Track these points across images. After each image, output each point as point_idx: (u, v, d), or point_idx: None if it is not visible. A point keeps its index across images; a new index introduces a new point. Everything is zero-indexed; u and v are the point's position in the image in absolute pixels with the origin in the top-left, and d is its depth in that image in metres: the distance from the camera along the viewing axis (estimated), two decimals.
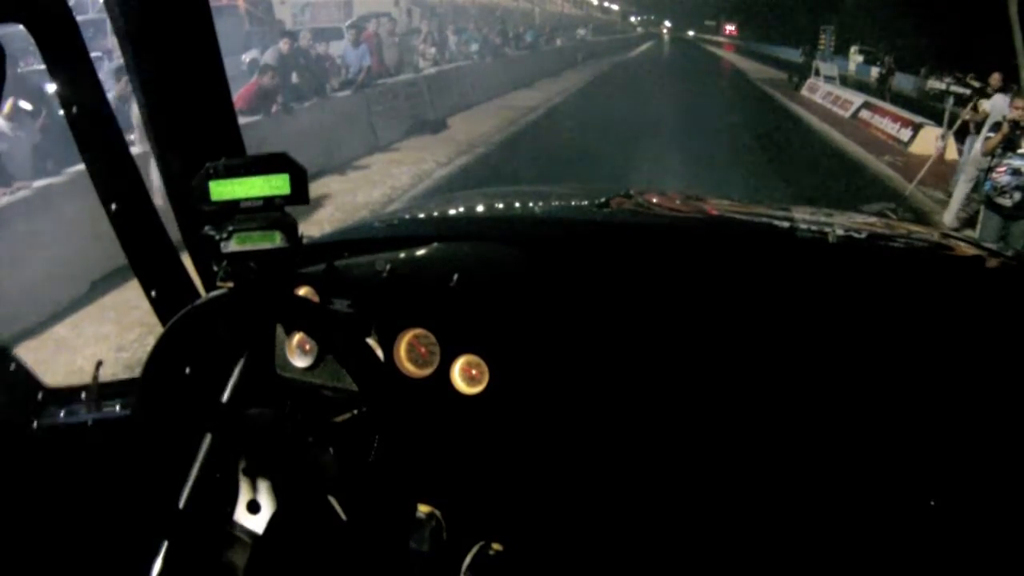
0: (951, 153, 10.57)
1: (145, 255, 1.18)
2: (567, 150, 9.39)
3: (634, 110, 13.62)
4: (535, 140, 10.37)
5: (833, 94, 15.94)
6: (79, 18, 1.05)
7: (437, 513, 1.10)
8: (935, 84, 20.60)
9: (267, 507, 0.93)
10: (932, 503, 0.95)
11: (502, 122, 11.50)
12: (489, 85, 14.26)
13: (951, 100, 10.94)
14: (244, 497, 0.92)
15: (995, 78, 7.91)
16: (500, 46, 15.61)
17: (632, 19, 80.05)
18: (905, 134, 11.42)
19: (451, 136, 10.18)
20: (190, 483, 0.87)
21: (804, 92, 18.09)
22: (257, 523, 0.93)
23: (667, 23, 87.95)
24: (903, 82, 22.97)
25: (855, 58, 30.51)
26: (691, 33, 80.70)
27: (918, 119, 11.48)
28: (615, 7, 67.47)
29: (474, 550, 1.07)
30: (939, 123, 10.97)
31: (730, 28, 65.50)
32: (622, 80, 21.26)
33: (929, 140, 10.77)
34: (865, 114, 13.51)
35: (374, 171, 7.82)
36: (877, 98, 14.36)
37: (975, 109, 7.96)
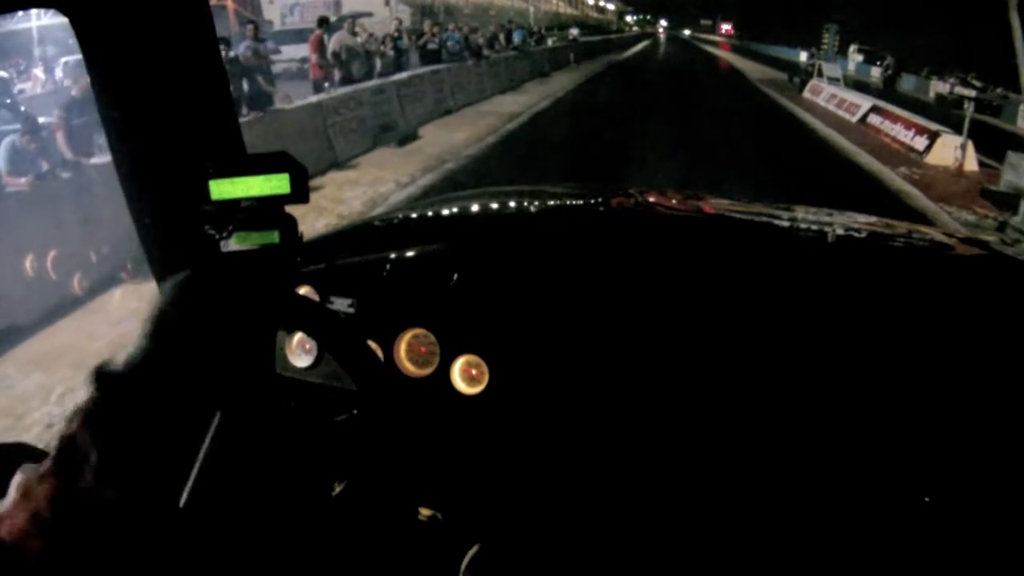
0: (970, 164, 9.75)
1: (167, 253, 1.17)
2: (549, 161, 8.45)
3: (627, 116, 12.66)
4: (514, 151, 9.38)
5: (837, 96, 15.07)
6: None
7: (437, 514, 1.07)
8: (939, 87, 20.07)
9: (265, 506, 0.89)
10: (927, 499, 0.95)
11: (480, 131, 10.50)
12: (469, 90, 13.28)
13: (971, 106, 10.13)
14: (242, 495, 0.86)
15: None
16: (483, 47, 14.58)
17: (628, 18, 79.50)
18: (920, 142, 10.48)
19: (420, 148, 9.17)
20: (190, 482, 0.78)
21: (806, 94, 17.28)
22: (256, 522, 0.89)
23: (663, 22, 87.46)
24: (905, 83, 22.21)
25: (855, 58, 29.91)
26: (687, 32, 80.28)
27: (934, 126, 10.55)
28: (611, 6, 66.84)
29: (473, 550, 1.04)
30: (956, 130, 10.24)
31: (727, 27, 65.10)
32: (615, 82, 20.33)
33: (947, 150, 9.88)
34: (874, 119, 12.60)
35: (323, 194, 6.83)
36: (885, 101, 13.50)
37: None
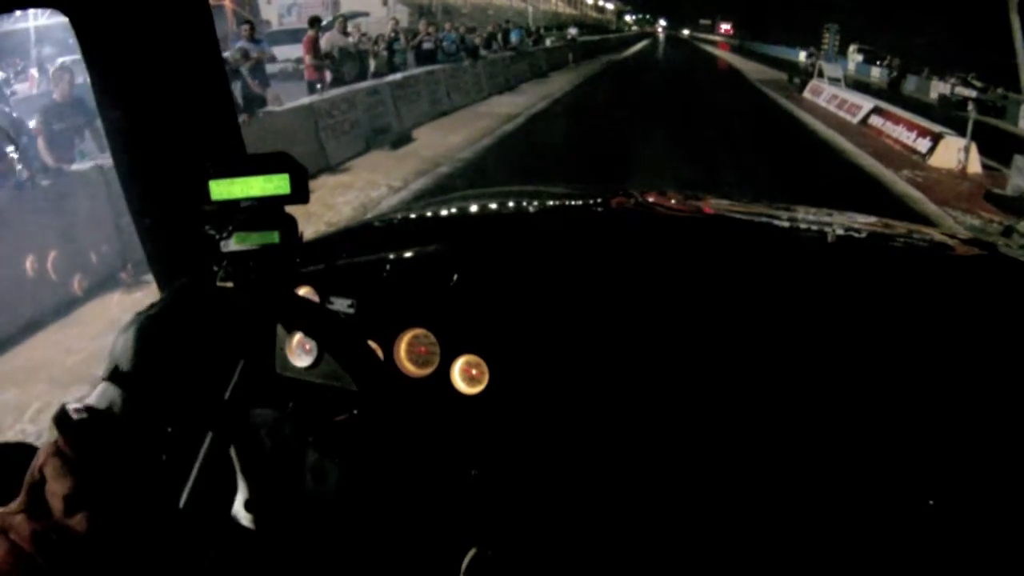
0: (973, 166, 9.60)
1: (168, 257, 1.15)
2: (546, 163, 8.29)
3: (625, 117, 12.51)
4: (510, 154, 9.22)
5: (838, 97, 14.92)
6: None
7: (436, 515, 1.05)
8: (940, 87, 19.86)
9: (266, 505, 0.89)
10: (931, 502, 0.94)
11: (476, 133, 10.33)
12: (466, 90, 13.13)
13: (974, 107, 9.97)
14: (242, 495, 0.88)
15: None
16: (480, 47, 14.41)
17: (628, 18, 79.32)
18: (923, 144, 10.33)
19: (414, 151, 9.00)
20: (190, 482, 0.77)
21: (807, 94, 17.12)
22: (256, 521, 0.89)
23: (662, 22, 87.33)
24: (908, 83, 22.05)
25: (854, 57, 29.76)
26: (686, 32, 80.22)
27: (937, 128, 10.39)
28: (610, 6, 66.69)
29: (472, 552, 1.03)
30: (958, 131, 10.09)
31: (726, 27, 64.98)
32: (614, 82, 20.18)
33: (950, 152, 9.73)
34: (876, 120, 12.45)
35: (313, 198, 6.63)
36: (887, 102, 13.35)
37: None
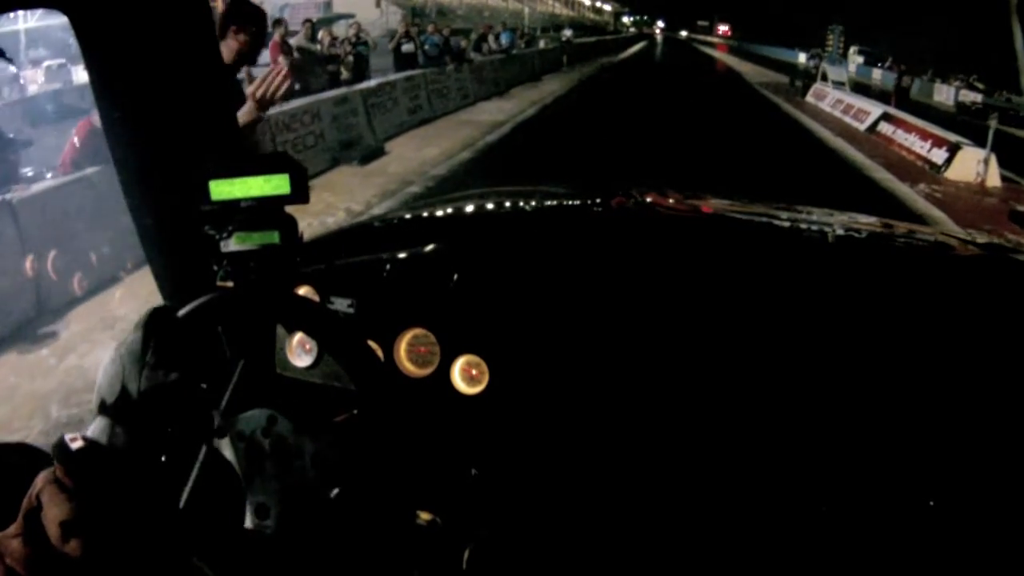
0: (992, 179, 8.91)
1: (168, 261, 1.15)
2: (530, 180, 7.53)
3: (620, 123, 11.76)
4: (491, 169, 8.45)
5: (844, 102, 14.20)
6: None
7: (436, 519, 1.03)
8: (944, 90, 19.16)
9: (275, 510, 0.88)
10: (931, 503, 0.94)
11: (455, 145, 9.56)
12: (450, 96, 12.36)
13: (995, 116, 9.28)
14: (252, 503, 0.87)
15: None
16: (467, 50, 13.63)
17: (625, 19, 78.83)
18: (938, 155, 9.59)
19: (383, 167, 8.21)
20: (190, 485, 0.78)
21: (810, 99, 16.43)
22: (265, 526, 0.89)
23: (660, 23, 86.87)
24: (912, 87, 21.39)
25: (855, 59, 29.18)
26: (684, 33, 79.84)
27: (953, 137, 9.66)
28: (607, 7, 66.16)
29: (472, 551, 1.02)
30: (968, 137, 9.41)
31: (723, 28, 64.52)
32: (608, 86, 19.45)
33: (968, 164, 9.01)
34: (885, 128, 11.72)
35: None
36: (893, 107, 12.64)
37: None
